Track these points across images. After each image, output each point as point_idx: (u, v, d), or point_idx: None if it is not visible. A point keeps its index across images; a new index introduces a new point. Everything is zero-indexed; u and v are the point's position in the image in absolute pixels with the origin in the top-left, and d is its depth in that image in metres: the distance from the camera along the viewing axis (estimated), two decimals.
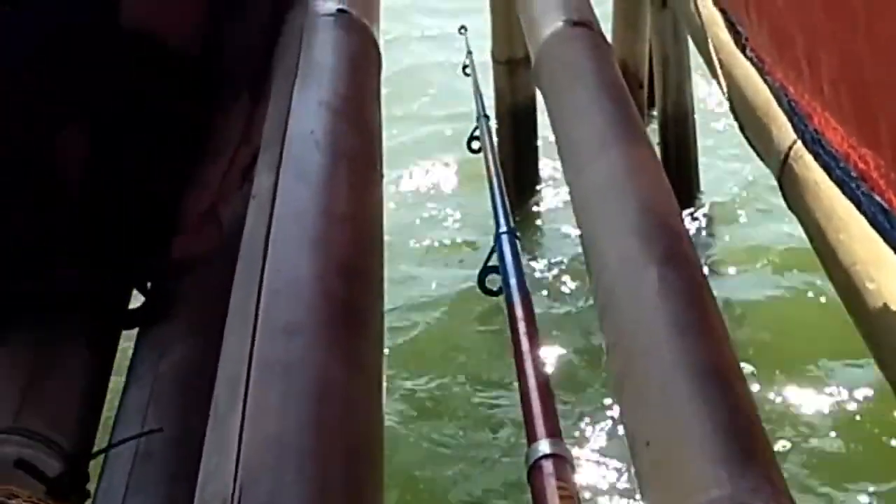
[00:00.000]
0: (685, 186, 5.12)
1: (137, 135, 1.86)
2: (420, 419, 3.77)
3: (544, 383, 1.10)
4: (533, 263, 4.74)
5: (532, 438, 1.03)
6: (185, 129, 1.93)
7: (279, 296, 1.26)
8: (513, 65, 4.97)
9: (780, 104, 1.63)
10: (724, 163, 5.44)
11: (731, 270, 4.72)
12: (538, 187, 5.38)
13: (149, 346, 1.82)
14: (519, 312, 1.25)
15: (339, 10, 1.97)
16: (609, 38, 4.87)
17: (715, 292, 1.32)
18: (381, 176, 1.66)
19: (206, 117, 1.96)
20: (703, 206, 5.24)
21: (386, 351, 1.33)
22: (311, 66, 1.79)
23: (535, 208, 5.31)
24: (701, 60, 2.39)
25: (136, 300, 1.93)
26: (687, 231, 1.41)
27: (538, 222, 5.25)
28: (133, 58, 1.82)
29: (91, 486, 1.58)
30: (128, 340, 1.89)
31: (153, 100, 1.86)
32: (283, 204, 1.44)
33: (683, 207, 4.97)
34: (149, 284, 1.94)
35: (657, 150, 5.20)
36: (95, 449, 1.66)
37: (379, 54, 1.99)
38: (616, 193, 1.42)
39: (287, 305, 1.24)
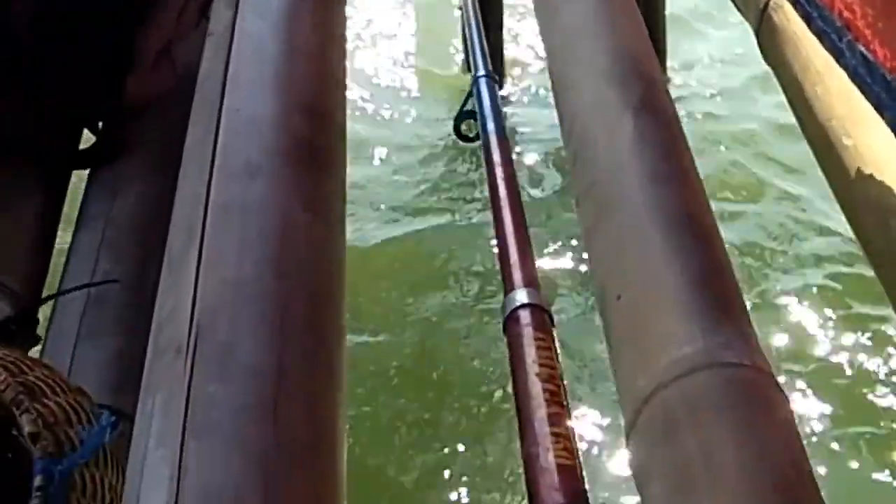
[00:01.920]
0: (651, 26, 4.98)
1: None
2: (389, 272, 3.70)
3: (522, 231, 1.07)
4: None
5: (509, 288, 1.01)
6: None
7: (237, 136, 1.21)
8: None
9: None
10: None
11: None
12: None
13: (100, 188, 1.76)
14: (496, 157, 1.20)
15: None
16: None
17: None
18: (344, 14, 1.59)
19: None
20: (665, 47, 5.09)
21: (350, 197, 1.28)
22: None
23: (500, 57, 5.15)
24: None
25: (88, 141, 1.87)
26: (662, 78, 1.35)
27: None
28: None
29: (41, 331, 1.54)
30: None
31: None
32: (241, 41, 1.37)
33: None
34: (101, 125, 1.87)
35: None
36: (47, 293, 1.63)
37: None
38: (591, 36, 1.36)
39: (246, 145, 1.19)
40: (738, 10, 1.82)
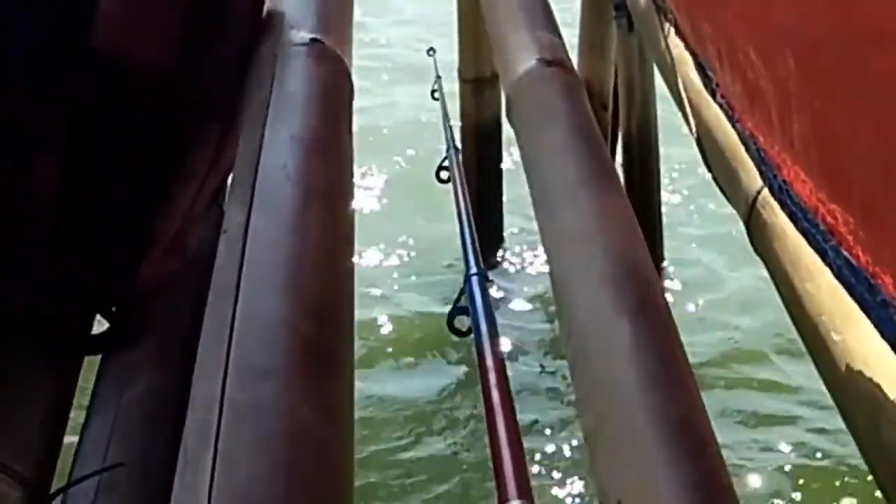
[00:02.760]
0: (646, 208, 5.16)
1: (110, 159, 1.85)
2: (390, 466, 3.75)
3: (515, 439, 1.10)
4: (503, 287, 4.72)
5: (503, 498, 1.03)
6: (157, 153, 1.92)
7: (251, 338, 1.26)
8: (480, 83, 4.99)
9: (748, 151, 1.65)
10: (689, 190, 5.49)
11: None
12: (503, 208, 5.37)
13: (112, 374, 1.81)
14: (489, 362, 1.25)
15: (313, 40, 1.96)
16: (575, 57, 4.96)
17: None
18: (353, 212, 1.66)
19: (177, 142, 1.95)
20: (663, 230, 5.27)
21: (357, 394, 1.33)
22: (283, 98, 1.79)
23: (500, 235, 5.32)
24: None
25: (101, 325, 1.92)
26: (658, 280, 1.42)
27: (503, 244, 5.26)
28: (105, 81, 1.81)
29: None
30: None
31: (125, 123, 1.84)
32: (254, 241, 1.43)
33: (644, 227, 5.03)
34: (113, 309, 1.92)
35: (619, 170, 5.28)
36: (57, 479, 1.65)
37: (352, 84, 1.99)
38: (587, 241, 1.43)
39: (258, 348, 1.24)
40: (728, 200, 1.90)
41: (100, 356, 1.88)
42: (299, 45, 1.94)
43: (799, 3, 1.26)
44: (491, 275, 4.90)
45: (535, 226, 1.69)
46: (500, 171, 5.24)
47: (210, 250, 1.54)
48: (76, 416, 1.80)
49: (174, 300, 1.92)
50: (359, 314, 1.43)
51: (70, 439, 1.75)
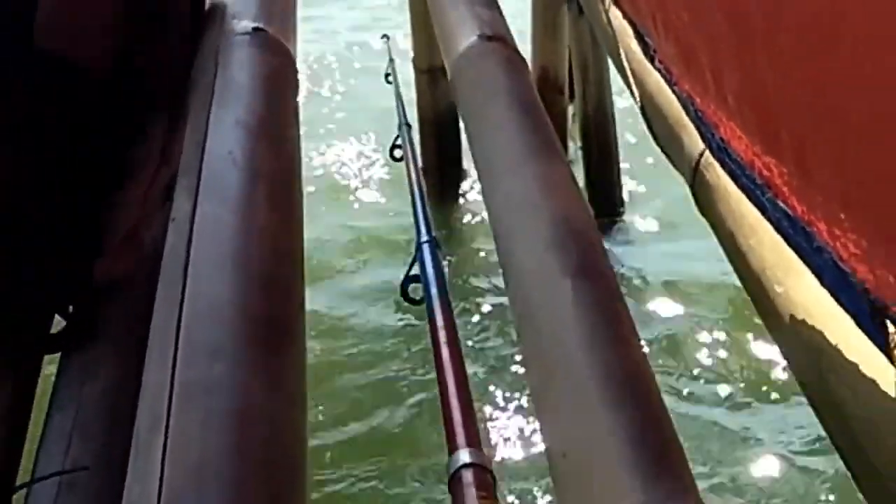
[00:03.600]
0: (606, 189, 5.20)
1: (58, 155, 1.85)
2: (339, 428, 3.79)
3: (464, 393, 1.12)
4: (456, 274, 4.78)
5: (452, 448, 1.05)
6: (104, 150, 1.93)
7: (200, 318, 1.27)
8: (434, 73, 5.01)
9: (688, 114, 1.67)
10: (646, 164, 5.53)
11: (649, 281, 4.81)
12: (462, 195, 5.42)
13: (72, 372, 1.81)
14: (439, 321, 1.27)
15: (255, 29, 1.97)
16: (529, 43, 4.98)
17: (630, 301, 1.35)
18: (301, 194, 1.67)
19: (125, 138, 1.95)
20: (623, 212, 5.33)
21: (309, 364, 1.34)
22: (227, 86, 1.80)
23: (458, 216, 5.36)
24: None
25: (59, 324, 1.92)
26: (601, 242, 1.44)
27: (461, 231, 5.29)
28: (49, 80, 1.81)
29: None
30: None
31: (71, 122, 1.84)
32: (202, 226, 1.44)
33: (605, 212, 5.09)
34: (70, 308, 1.92)
35: (579, 152, 5.31)
36: (19, 478, 1.65)
37: (296, 72, 2.00)
38: (531, 208, 1.44)
39: (208, 327, 1.25)
40: (674, 166, 1.92)
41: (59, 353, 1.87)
42: (241, 34, 1.95)
43: None
44: (453, 258, 4.98)
45: None
46: (460, 156, 5.26)
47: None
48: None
49: (131, 296, 1.92)
50: (311, 289, 1.45)
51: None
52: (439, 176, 5.21)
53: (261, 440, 1.12)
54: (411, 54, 5.17)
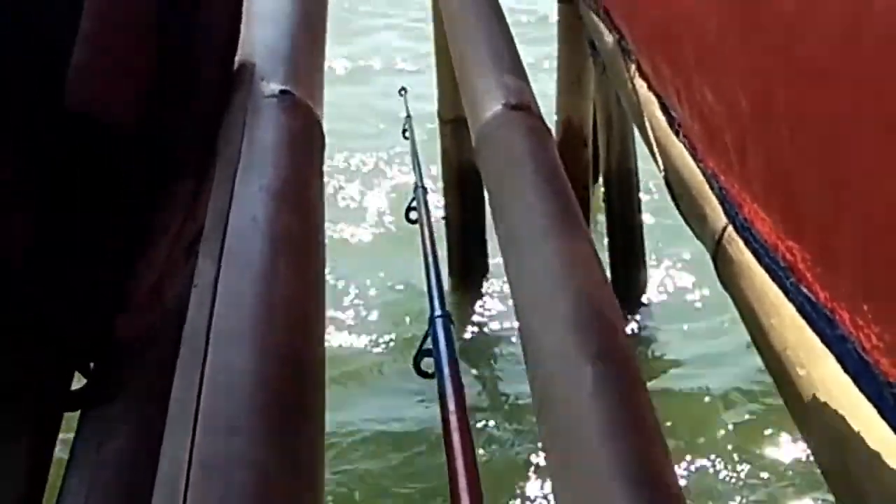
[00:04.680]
0: (629, 244, 5.19)
1: (84, 215, 1.86)
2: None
3: (475, 483, 1.12)
4: (474, 334, 4.75)
5: None
6: (130, 208, 1.94)
7: (219, 391, 1.27)
8: (459, 124, 5.01)
9: (712, 189, 1.68)
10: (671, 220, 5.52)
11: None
12: (487, 247, 5.40)
13: (90, 430, 1.80)
14: (451, 405, 1.26)
15: (282, 91, 1.99)
16: (554, 93, 5.00)
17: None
18: (324, 261, 1.68)
19: (151, 197, 1.96)
20: (644, 266, 5.31)
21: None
22: (253, 149, 1.81)
23: (483, 274, 5.35)
24: None
25: (79, 381, 1.92)
26: (623, 324, 1.43)
27: (485, 286, 5.29)
28: (78, 139, 1.83)
29: None
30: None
31: (99, 180, 1.86)
32: (224, 294, 1.45)
33: (627, 268, 5.07)
34: (91, 365, 1.92)
35: (602, 205, 5.31)
36: None
37: (322, 134, 2.01)
38: (552, 287, 1.45)
39: (227, 403, 1.25)
40: (696, 235, 1.92)
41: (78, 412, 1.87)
42: (269, 97, 1.96)
43: (748, 45, 1.29)
44: (474, 310, 4.95)
45: None
46: (483, 209, 5.25)
47: (187, 303, 1.55)
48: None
49: (152, 354, 1.92)
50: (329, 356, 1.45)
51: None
52: (462, 228, 5.21)
53: None
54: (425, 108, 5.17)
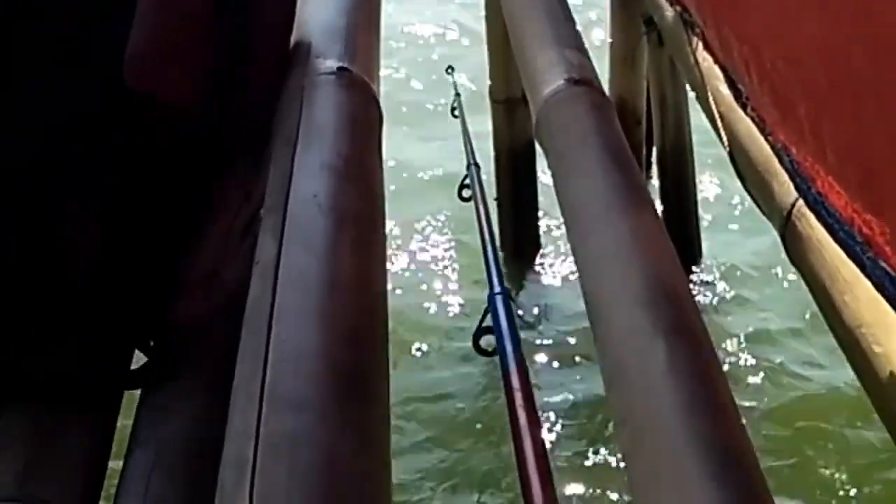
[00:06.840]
0: (683, 222, 5.14)
1: (148, 203, 1.86)
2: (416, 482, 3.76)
3: (542, 455, 1.10)
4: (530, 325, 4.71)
5: None
6: (190, 189, 1.94)
7: (285, 369, 1.26)
8: (511, 104, 4.97)
9: (781, 163, 1.64)
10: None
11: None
12: (539, 229, 5.36)
13: (152, 409, 1.81)
14: (515, 382, 1.25)
15: (340, 68, 1.97)
16: (606, 72, 4.94)
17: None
18: (385, 237, 1.66)
19: (210, 177, 1.96)
20: (700, 248, 5.26)
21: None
22: (311, 127, 1.80)
23: (536, 251, 5.31)
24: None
25: (139, 359, 1.93)
26: (694, 300, 1.41)
27: (538, 264, 5.25)
28: (137, 120, 1.82)
29: None
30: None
31: (160, 165, 1.86)
32: (286, 272, 1.44)
33: (681, 242, 5.02)
34: (151, 343, 1.93)
35: (655, 182, 5.26)
36: None
37: (380, 111, 1.99)
38: (621, 261, 1.42)
39: (293, 379, 1.24)
40: (762, 212, 1.88)
41: (139, 390, 1.88)
42: (326, 73, 1.95)
43: (825, 12, 1.25)
44: (527, 289, 4.92)
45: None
46: (536, 190, 5.22)
47: (248, 283, 1.55)
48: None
49: (213, 334, 1.93)
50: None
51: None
52: (514, 209, 5.17)
53: (346, 495, 1.11)
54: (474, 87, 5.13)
